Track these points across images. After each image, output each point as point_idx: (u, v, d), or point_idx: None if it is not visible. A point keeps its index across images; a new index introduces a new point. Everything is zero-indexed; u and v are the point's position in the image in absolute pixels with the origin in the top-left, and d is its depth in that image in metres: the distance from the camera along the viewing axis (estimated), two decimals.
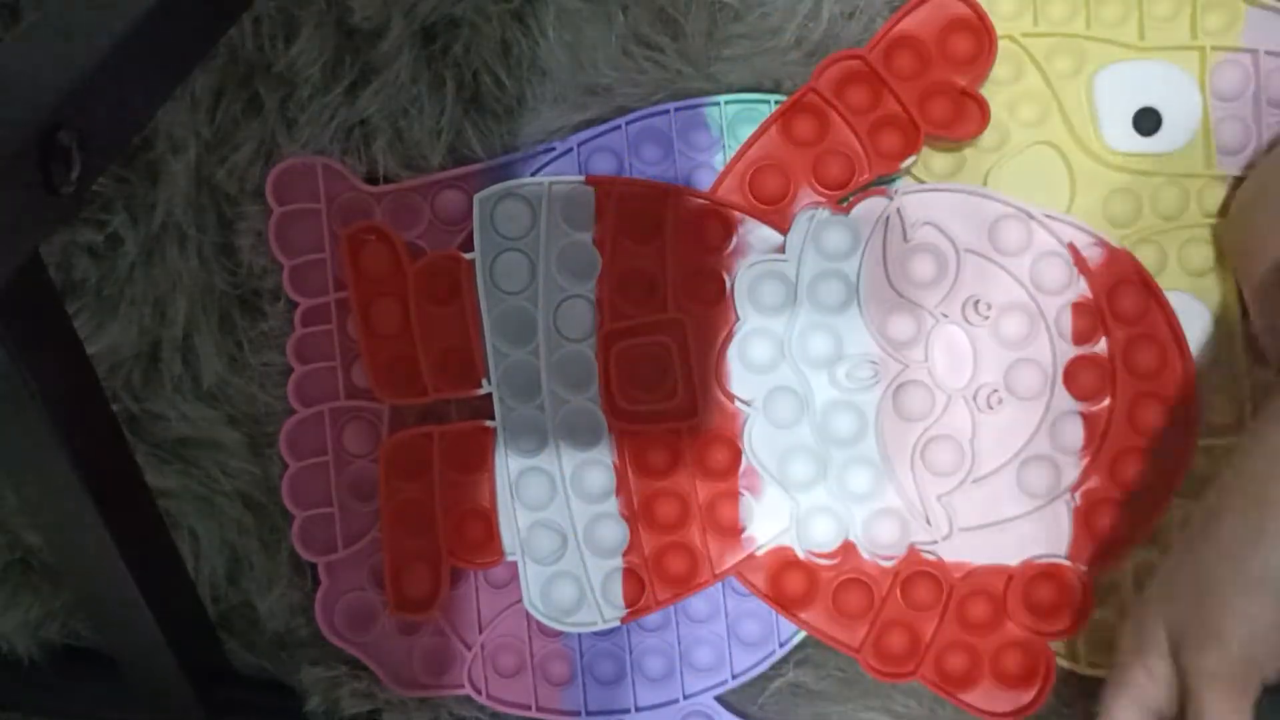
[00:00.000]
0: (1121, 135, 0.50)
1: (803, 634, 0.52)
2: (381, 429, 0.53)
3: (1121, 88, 0.50)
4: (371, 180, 0.53)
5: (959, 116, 0.49)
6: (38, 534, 0.55)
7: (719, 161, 0.51)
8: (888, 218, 0.50)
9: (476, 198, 0.51)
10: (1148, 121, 0.50)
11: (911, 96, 0.49)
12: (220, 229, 0.53)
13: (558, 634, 0.53)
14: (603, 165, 0.52)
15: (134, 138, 0.51)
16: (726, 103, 0.51)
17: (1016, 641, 0.50)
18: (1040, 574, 0.50)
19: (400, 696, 0.54)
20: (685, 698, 0.53)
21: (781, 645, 0.52)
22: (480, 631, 0.53)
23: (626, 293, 0.51)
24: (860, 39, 0.50)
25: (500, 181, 0.52)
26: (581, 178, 0.51)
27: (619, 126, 0.51)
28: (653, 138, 0.51)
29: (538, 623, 0.53)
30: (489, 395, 0.52)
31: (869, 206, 0.50)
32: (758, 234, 0.51)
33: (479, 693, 0.53)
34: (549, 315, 0.51)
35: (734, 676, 0.53)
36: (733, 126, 0.51)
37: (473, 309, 0.51)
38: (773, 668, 0.52)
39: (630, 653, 0.53)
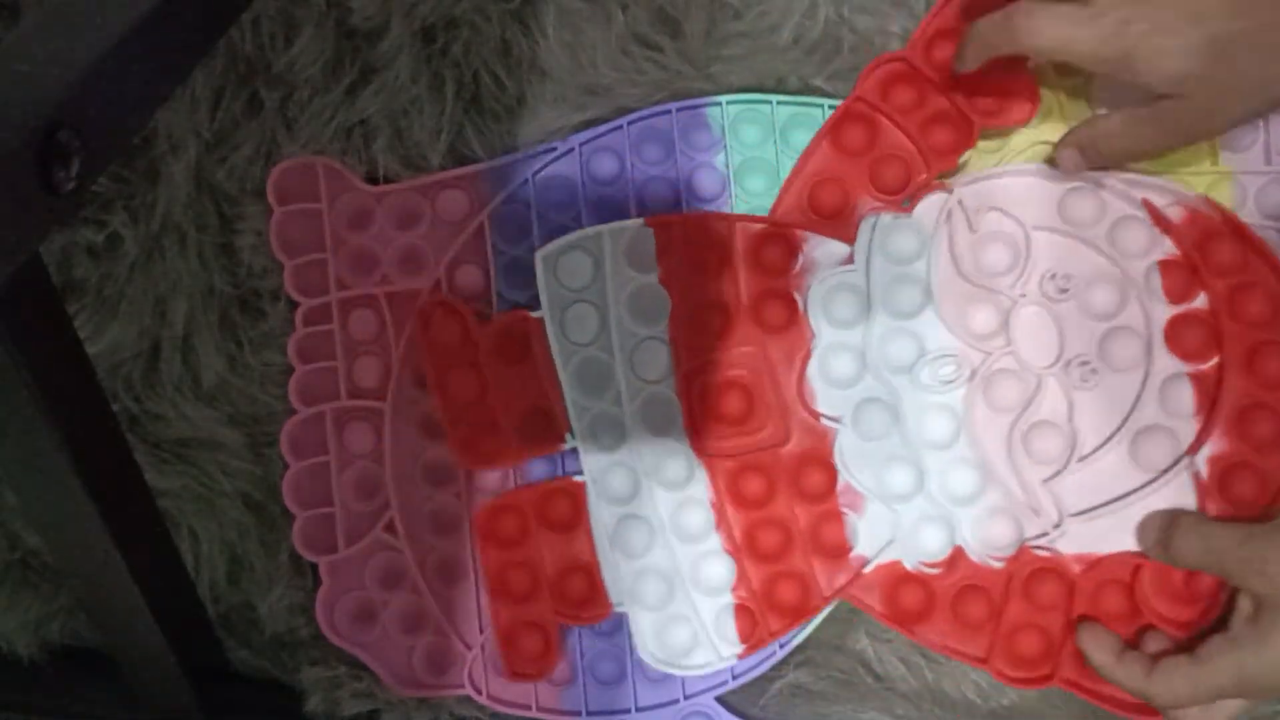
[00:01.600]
0: None
1: (803, 635, 0.52)
2: (383, 429, 0.53)
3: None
4: (371, 180, 0.53)
5: (1008, 103, 0.49)
6: (38, 534, 0.55)
7: (720, 162, 0.51)
8: (950, 211, 0.49)
9: (539, 255, 0.50)
10: None
11: (958, 89, 0.49)
12: (220, 229, 0.53)
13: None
14: (604, 165, 0.52)
15: (134, 138, 0.51)
16: (728, 103, 0.51)
17: (1151, 630, 0.48)
18: None
19: (400, 696, 0.54)
20: (686, 698, 0.53)
21: (782, 646, 0.52)
22: (480, 631, 0.53)
23: (699, 328, 0.50)
24: (861, 33, 0.50)
25: (501, 182, 0.52)
26: (640, 221, 0.50)
27: (620, 126, 0.51)
28: (654, 138, 0.51)
29: None
30: (574, 450, 0.51)
31: (930, 204, 0.50)
32: (823, 249, 0.50)
33: (479, 693, 0.53)
34: (625, 361, 0.50)
35: (734, 677, 0.52)
36: (734, 126, 0.51)
37: (547, 365, 0.51)
38: (773, 669, 0.52)
39: (631, 653, 0.53)
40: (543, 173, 0.52)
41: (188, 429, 0.54)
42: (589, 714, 0.53)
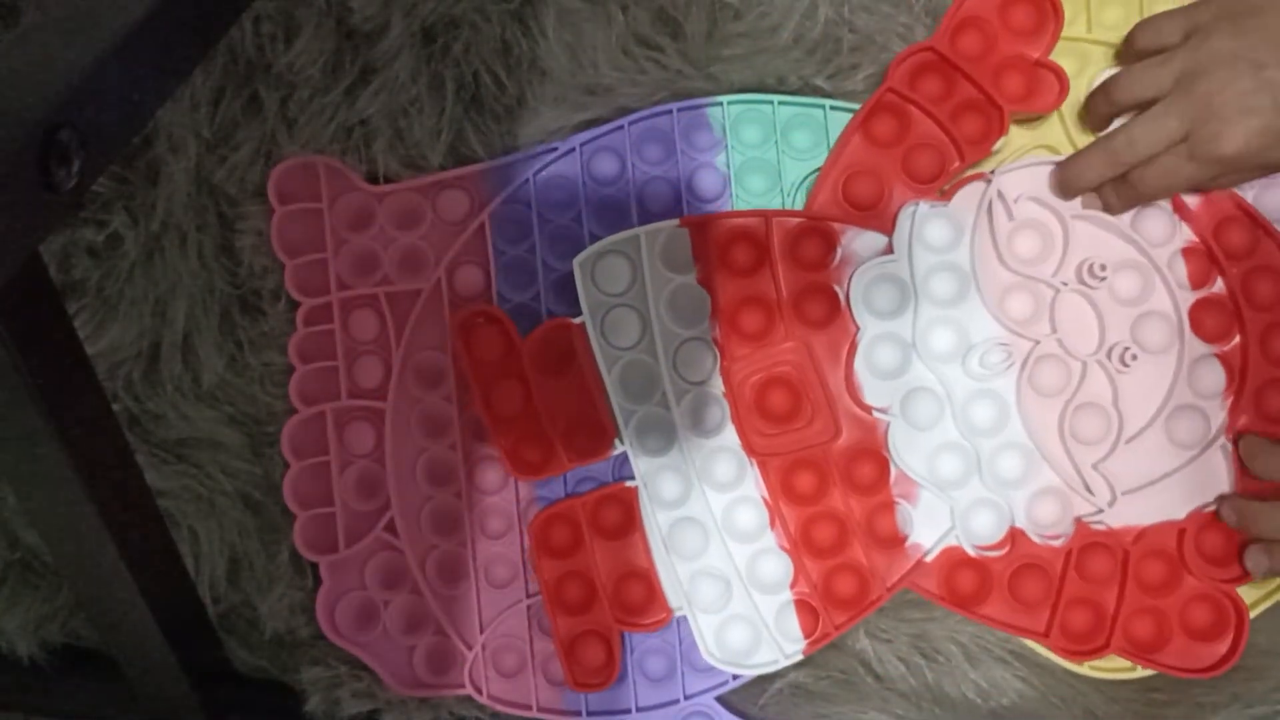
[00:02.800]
0: None
1: None
2: (383, 429, 0.53)
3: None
4: (372, 180, 0.53)
5: (1036, 88, 0.49)
6: (38, 534, 0.55)
7: (721, 162, 0.51)
8: (989, 200, 0.50)
9: (575, 261, 0.50)
10: None
11: (986, 77, 0.49)
12: (220, 229, 0.53)
13: None
14: (605, 165, 0.52)
15: (134, 138, 0.51)
16: (729, 103, 0.51)
17: (1201, 595, 0.50)
18: (1210, 523, 0.49)
19: (400, 696, 0.54)
20: (686, 698, 0.53)
21: None
22: (481, 631, 0.53)
23: (741, 326, 0.51)
24: (861, 33, 0.50)
25: (502, 182, 0.52)
26: (674, 221, 0.50)
27: (621, 126, 0.51)
28: (655, 138, 0.51)
29: (538, 622, 0.53)
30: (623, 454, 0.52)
31: (968, 193, 0.50)
32: (862, 240, 0.50)
33: (479, 692, 0.53)
34: (669, 363, 0.50)
35: (735, 677, 0.52)
36: (735, 127, 0.51)
37: (592, 372, 0.51)
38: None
39: (631, 653, 0.53)
40: (543, 173, 0.52)
41: (188, 429, 0.54)
42: (589, 714, 0.53)
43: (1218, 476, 0.50)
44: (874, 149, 0.50)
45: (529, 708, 0.53)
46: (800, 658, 0.51)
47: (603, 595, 0.51)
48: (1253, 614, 0.50)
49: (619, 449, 0.51)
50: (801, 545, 0.51)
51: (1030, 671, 0.52)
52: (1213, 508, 0.49)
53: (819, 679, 0.53)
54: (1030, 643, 0.51)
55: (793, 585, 0.51)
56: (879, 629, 0.52)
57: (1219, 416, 0.49)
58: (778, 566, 0.51)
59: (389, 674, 0.53)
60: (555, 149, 0.52)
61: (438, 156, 0.52)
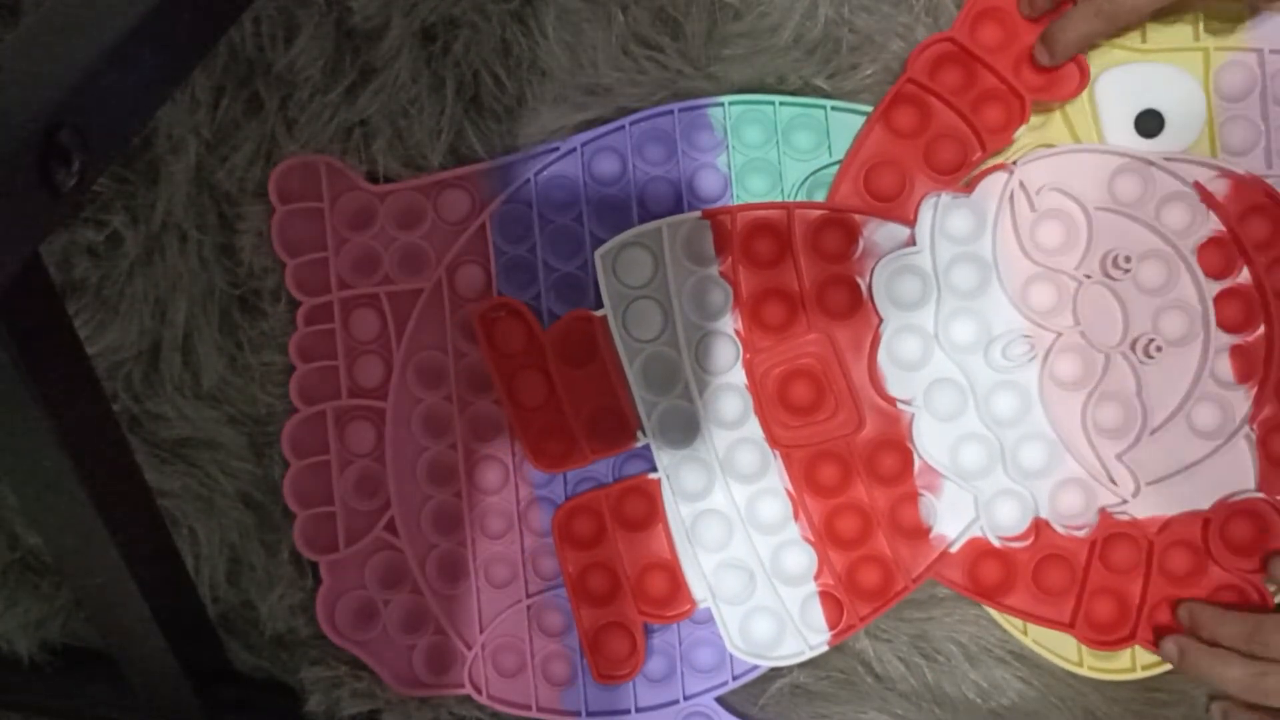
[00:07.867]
0: (1123, 137, 0.50)
1: None
2: (384, 428, 0.53)
3: (1124, 90, 0.50)
4: (372, 180, 0.53)
5: (1057, 78, 0.49)
6: (38, 534, 0.55)
7: (722, 162, 0.51)
8: (1011, 191, 0.50)
9: (597, 253, 0.50)
10: (1150, 123, 0.50)
11: (1006, 66, 0.49)
12: (220, 229, 0.53)
13: (559, 634, 0.53)
14: (606, 165, 0.52)
15: (134, 137, 0.51)
16: (730, 103, 0.51)
17: (1226, 585, 0.50)
18: (1235, 512, 0.50)
19: (400, 696, 0.54)
20: (686, 698, 0.53)
21: None
22: (481, 631, 0.53)
23: (764, 318, 0.51)
24: (861, 33, 0.50)
25: (503, 181, 0.52)
26: (697, 213, 0.50)
27: (623, 127, 0.51)
28: (656, 138, 0.51)
29: (539, 622, 0.53)
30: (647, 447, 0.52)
31: (990, 183, 0.50)
32: (884, 232, 0.50)
33: (479, 692, 0.53)
34: (691, 355, 0.51)
35: (734, 677, 0.53)
36: (736, 127, 0.51)
37: (614, 364, 0.51)
38: (773, 669, 0.52)
39: None
40: (545, 173, 0.52)
41: (188, 429, 0.54)
42: (589, 714, 0.53)
43: (1242, 466, 0.50)
44: (895, 140, 0.50)
45: (528, 708, 0.53)
46: (826, 649, 0.51)
47: (626, 586, 0.52)
48: None
49: (641, 441, 0.51)
50: (825, 537, 0.51)
51: (1030, 671, 0.52)
52: (1237, 497, 0.49)
53: (819, 679, 0.53)
54: (1031, 643, 0.51)
55: (817, 577, 0.51)
56: (879, 629, 0.52)
57: (1243, 406, 0.49)
58: (801, 558, 0.51)
59: (389, 674, 0.54)
60: (556, 149, 0.52)
61: (438, 156, 0.52)
